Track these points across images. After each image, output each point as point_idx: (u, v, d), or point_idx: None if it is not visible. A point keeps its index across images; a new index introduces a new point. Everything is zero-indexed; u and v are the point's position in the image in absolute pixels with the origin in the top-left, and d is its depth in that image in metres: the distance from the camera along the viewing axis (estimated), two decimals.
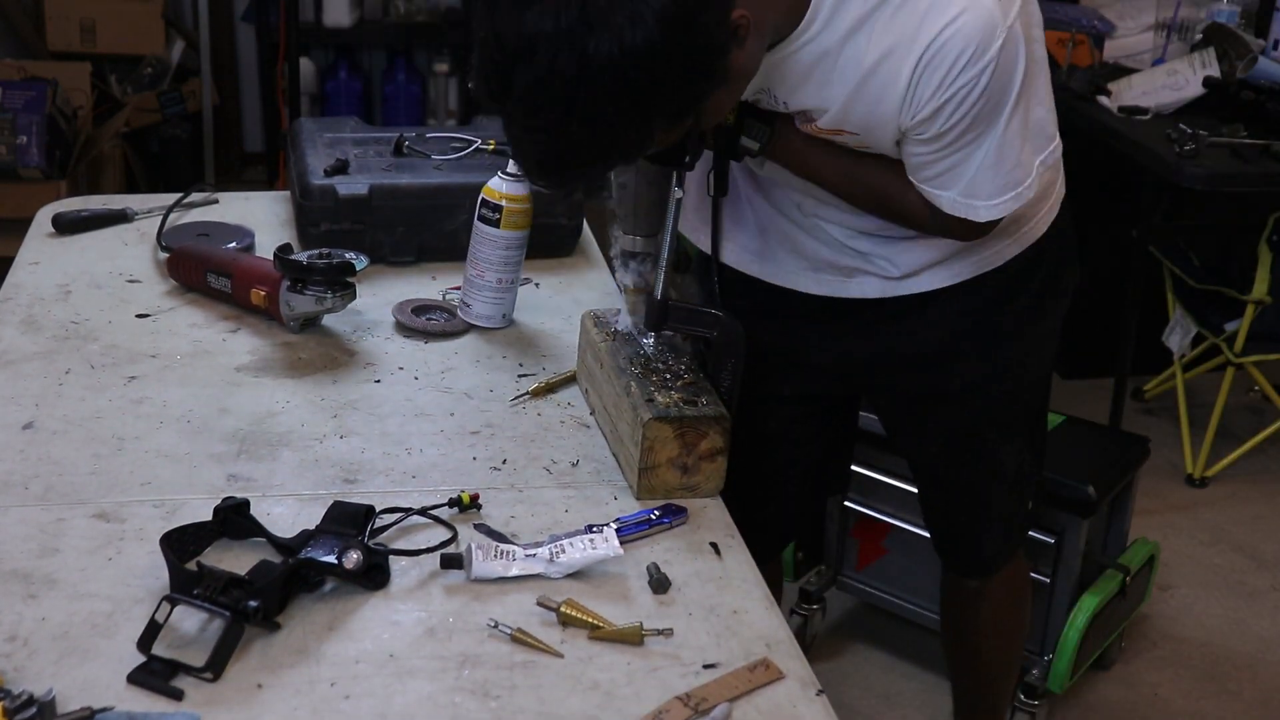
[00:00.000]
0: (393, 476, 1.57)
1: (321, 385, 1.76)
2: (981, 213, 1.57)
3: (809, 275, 1.77)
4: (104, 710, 1.18)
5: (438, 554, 1.41)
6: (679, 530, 1.50)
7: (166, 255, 2.04)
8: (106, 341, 1.84)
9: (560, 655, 1.27)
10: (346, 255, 1.87)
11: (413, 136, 2.27)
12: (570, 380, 1.80)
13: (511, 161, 1.89)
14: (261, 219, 2.24)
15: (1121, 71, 3.61)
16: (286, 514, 1.48)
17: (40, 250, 2.13)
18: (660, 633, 1.31)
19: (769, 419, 1.86)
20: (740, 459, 1.59)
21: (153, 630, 1.26)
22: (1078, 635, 2.59)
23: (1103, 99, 3.43)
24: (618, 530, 1.45)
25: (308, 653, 1.27)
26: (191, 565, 1.35)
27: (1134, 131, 3.31)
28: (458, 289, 2.03)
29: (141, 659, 1.24)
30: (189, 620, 1.29)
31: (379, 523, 1.46)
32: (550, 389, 1.78)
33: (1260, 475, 3.66)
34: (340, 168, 2.13)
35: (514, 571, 1.38)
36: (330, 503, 1.46)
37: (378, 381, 1.78)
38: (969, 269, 1.74)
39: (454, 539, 1.44)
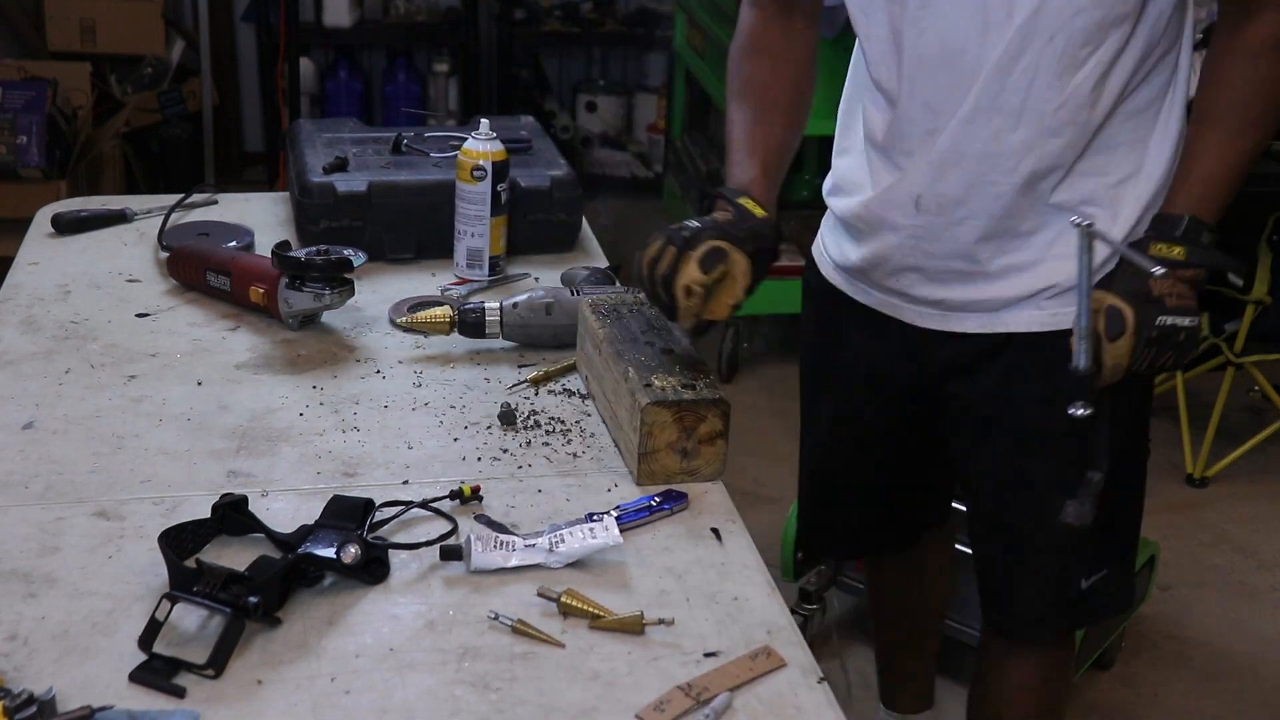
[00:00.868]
0: (393, 470, 1.57)
1: (321, 381, 1.76)
2: None
3: (910, 306, 1.74)
4: (104, 709, 1.17)
5: (437, 547, 1.41)
6: (680, 516, 1.50)
7: (167, 254, 2.04)
8: (106, 341, 1.84)
9: (561, 645, 1.28)
10: (344, 252, 1.87)
11: (411, 135, 2.28)
12: (569, 369, 1.80)
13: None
14: (261, 219, 2.24)
15: None
16: (286, 509, 1.48)
17: (40, 250, 2.13)
18: (661, 621, 1.31)
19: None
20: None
21: (153, 628, 1.26)
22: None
23: None
24: (618, 518, 1.45)
25: (308, 648, 1.27)
26: (190, 562, 1.35)
27: None
28: (456, 285, 2.03)
29: (142, 657, 1.24)
30: (189, 617, 1.29)
31: (379, 516, 1.46)
32: (549, 377, 1.78)
33: (1260, 475, 3.66)
34: (339, 165, 2.14)
35: (513, 562, 1.38)
36: (330, 497, 1.46)
37: (378, 374, 1.78)
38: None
39: (454, 531, 1.44)
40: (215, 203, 2.31)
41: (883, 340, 1.81)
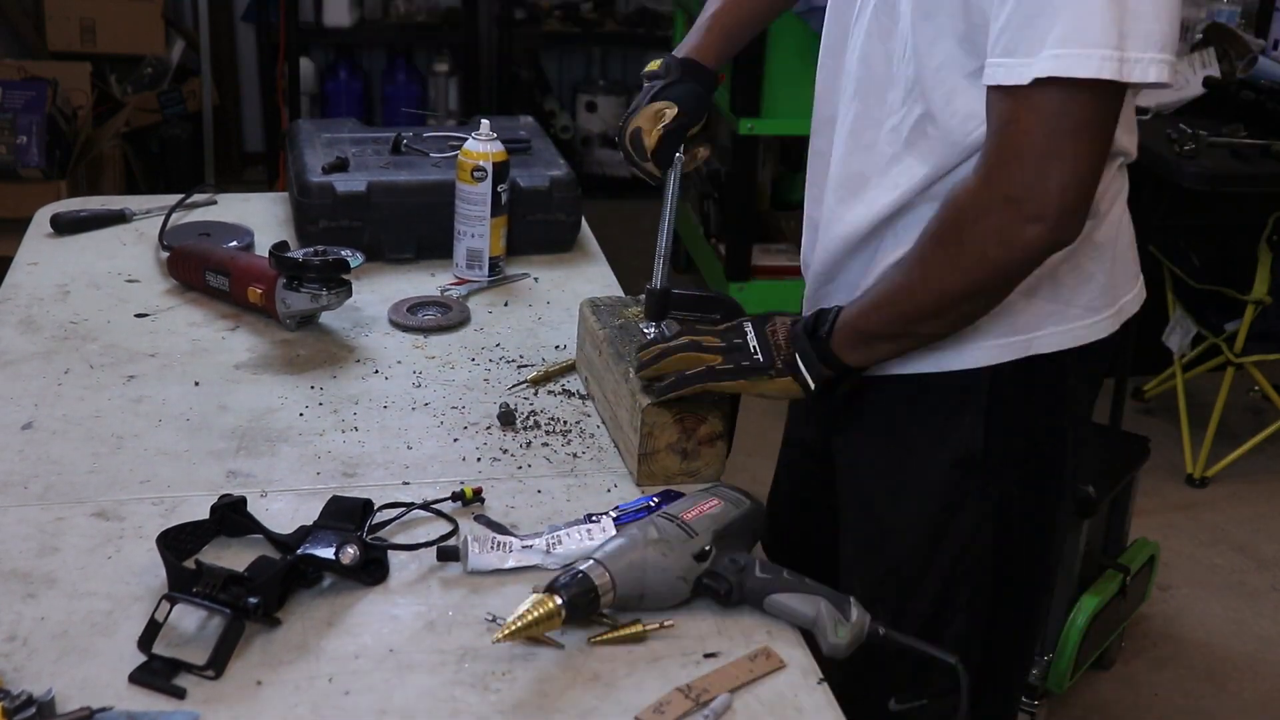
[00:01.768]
0: (392, 470, 1.57)
1: (320, 381, 1.76)
2: (1104, 66, 1.21)
3: None
4: (103, 710, 1.17)
5: (435, 547, 1.40)
6: None
7: (167, 254, 2.04)
8: (105, 341, 1.84)
9: (560, 646, 1.27)
10: (342, 252, 1.87)
11: (411, 135, 2.28)
12: (569, 369, 1.80)
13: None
14: (261, 219, 2.24)
15: None
16: (286, 509, 1.48)
17: (39, 250, 2.13)
18: (661, 626, 1.31)
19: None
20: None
21: (153, 629, 1.25)
22: (1078, 635, 2.59)
23: None
24: (616, 519, 1.45)
25: (307, 649, 1.27)
26: (190, 563, 1.35)
27: None
28: (456, 285, 2.03)
29: (141, 658, 1.24)
30: (188, 618, 1.29)
31: (380, 517, 1.46)
32: (548, 377, 1.78)
33: (1260, 475, 3.67)
34: (339, 165, 2.14)
35: (510, 563, 1.38)
36: (329, 498, 1.46)
37: (377, 374, 1.78)
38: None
39: (454, 532, 1.44)
40: (215, 203, 2.31)
41: None
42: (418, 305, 1.95)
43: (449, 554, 1.39)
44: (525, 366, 1.82)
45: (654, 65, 1.76)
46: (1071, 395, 1.53)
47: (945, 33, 1.37)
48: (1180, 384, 3.73)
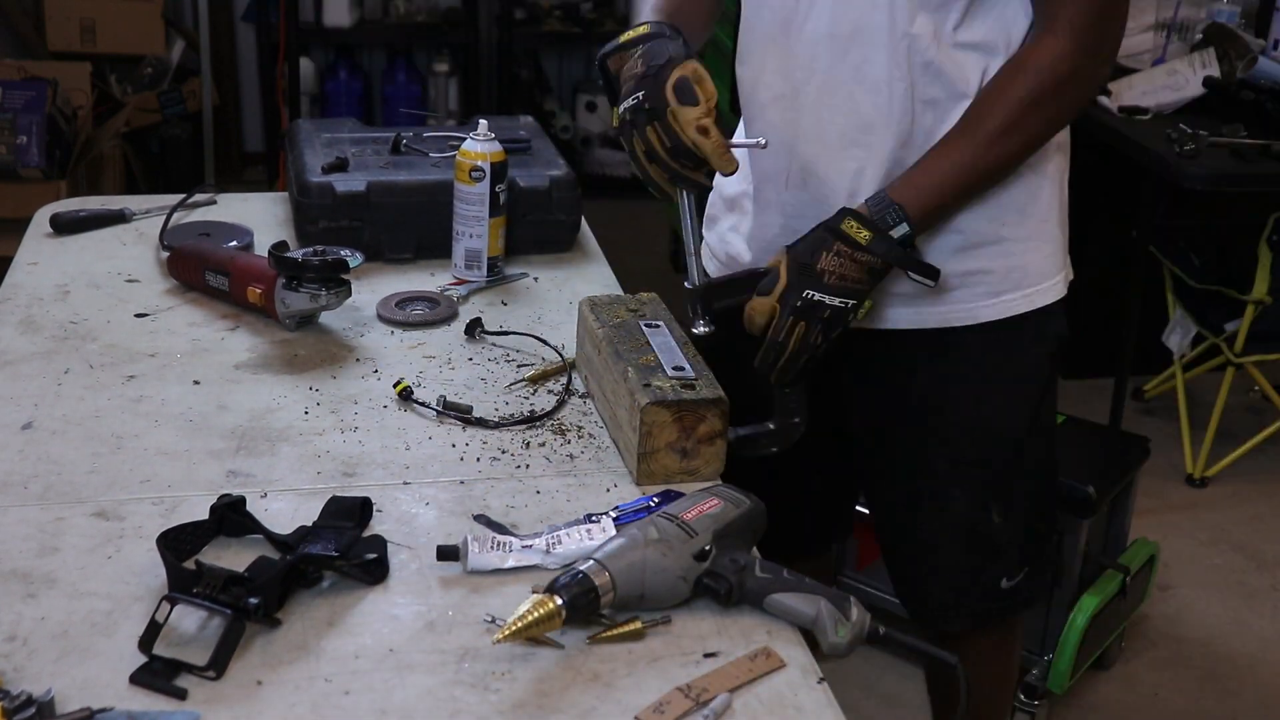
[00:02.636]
0: (392, 470, 1.57)
1: (320, 381, 1.76)
2: None
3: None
4: (104, 710, 1.17)
5: (433, 547, 1.40)
6: None
7: (167, 255, 2.04)
8: (105, 341, 1.84)
9: (561, 647, 1.27)
10: (341, 252, 1.87)
11: (410, 135, 2.28)
12: (568, 368, 1.80)
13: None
14: (261, 219, 2.24)
15: (1121, 71, 3.62)
16: (286, 509, 1.48)
17: (39, 250, 2.13)
18: (660, 622, 1.31)
19: None
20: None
21: (153, 630, 1.25)
22: (1078, 635, 2.60)
23: (1103, 99, 3.43)
24: (616, 519, 1.45)
25: (307, 649, 1.27)
26: (190, 564, 1.35)
27: (1134, 131, 3.31)
28: (455, 285, 2.03)
29: (141, 658, 1.24)
30: (188, 619, 1.29)
31: (379, 517, 1.46)
32: (546, 376, 1.78)
33: (1260, 475, 3.67)
34: (339, 165, 2.14)
35: (510, 563, 1.38)
36: (329, 497, 1.46)
37: (376, 374, 1.78)
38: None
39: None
40: (215, 202, 2.31)
41: None
42: (405, 300, 1.95)
43: (449, 553, 1.39)
44: (524, 366, 1.82)
45: (641, 29, 1.59)
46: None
47: None
48: (1180, 384, 3.73)
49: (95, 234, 2.19)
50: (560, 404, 1.71)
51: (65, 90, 4.24)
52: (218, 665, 1.22)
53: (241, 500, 1.43)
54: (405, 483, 1.54)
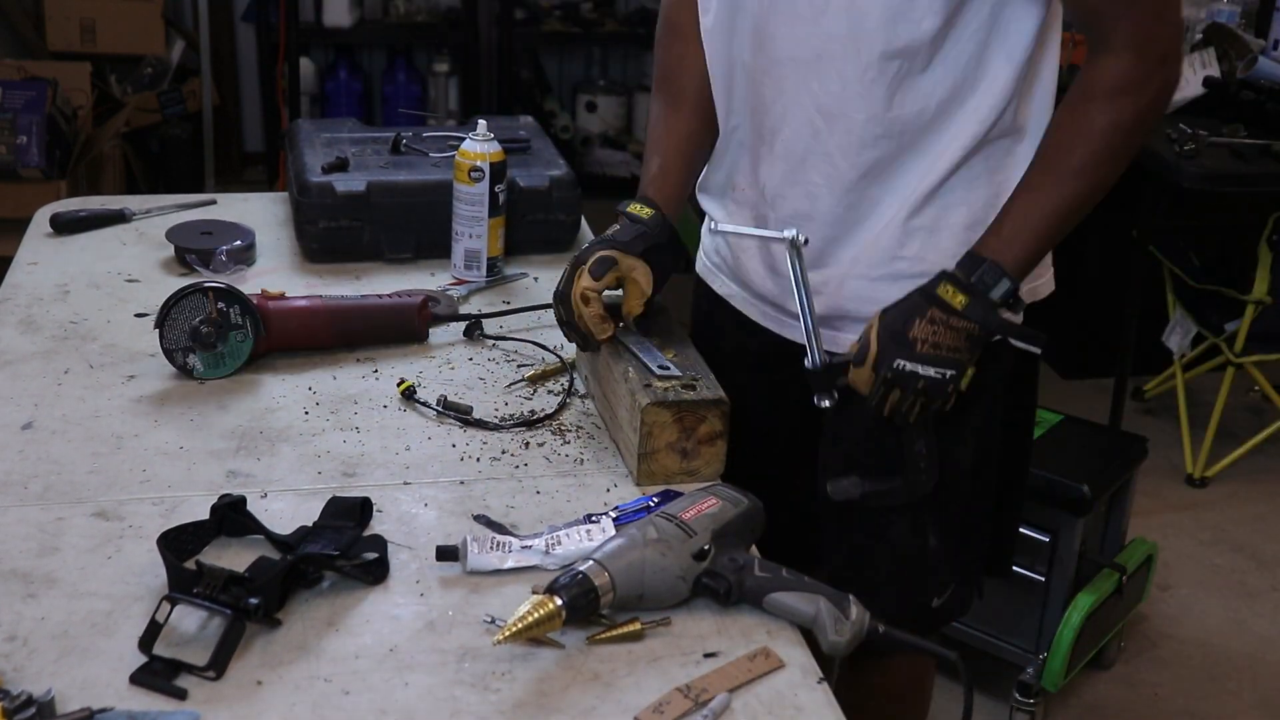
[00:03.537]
0: (392, 470, 1.57)
1: (320, 381, 1.76)
2: None
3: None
4: (104, 710, 1.17)
5: (433, 547, 1.40)
6: None
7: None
8: (105, 341, 1.84)
9: (561, 647, 1.27)
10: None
11: (410, 135, 2.28)
12: (568, 369, 1.80)
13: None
14: (261, 219, 2.24)
15: None
16: (286, 509, 1.48)
17: (39, 250, 2.13)
18: (659, 623, 1.31)
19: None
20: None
21: (153, 630, 1.25)
22: (1072, 634, 2.59)
23: None
24: (616, 519, 1.45)
25: (307, 649, 1.27)
26: (190, 564, 1.35)
27: None
28: (454, 285, 2.03)
29: (141, 658, 1.24)
30: (189, 619, 1.29)
31: (379, 517, 1.46)
32: (547, 376, 1.78)
33: (1260, 475, 3.67)
34: (339, 165, 2.14)
35: (509, 564, 1.38)
36: (330, 497, 1.47)
37: (376, 374, 1.78)
38: None
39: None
40: (214, 203, 2.31)
41: (756, 337, 1.76)
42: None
43: (448, 553, 1.39)
44: (524, 366, 1.82)
45: (642, 212, 1.70)
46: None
47: None
48: (1180, 384, 3.73)
49: (95, 234, 2.19)
50: (562, 406, 1.72)
51: (65, 90, 4.24)
52: (218, 665, 1.23)
53: (242, 500, 1.43)
54: (405, 483, 1.54)
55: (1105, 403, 3.56)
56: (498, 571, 1.38)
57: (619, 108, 5.41)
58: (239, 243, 2.08)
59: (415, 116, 4.75)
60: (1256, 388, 3.78)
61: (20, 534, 1.42)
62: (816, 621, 1.31)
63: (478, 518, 1.48)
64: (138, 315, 1.92)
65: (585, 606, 1.26)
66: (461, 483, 1.54)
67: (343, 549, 1.36)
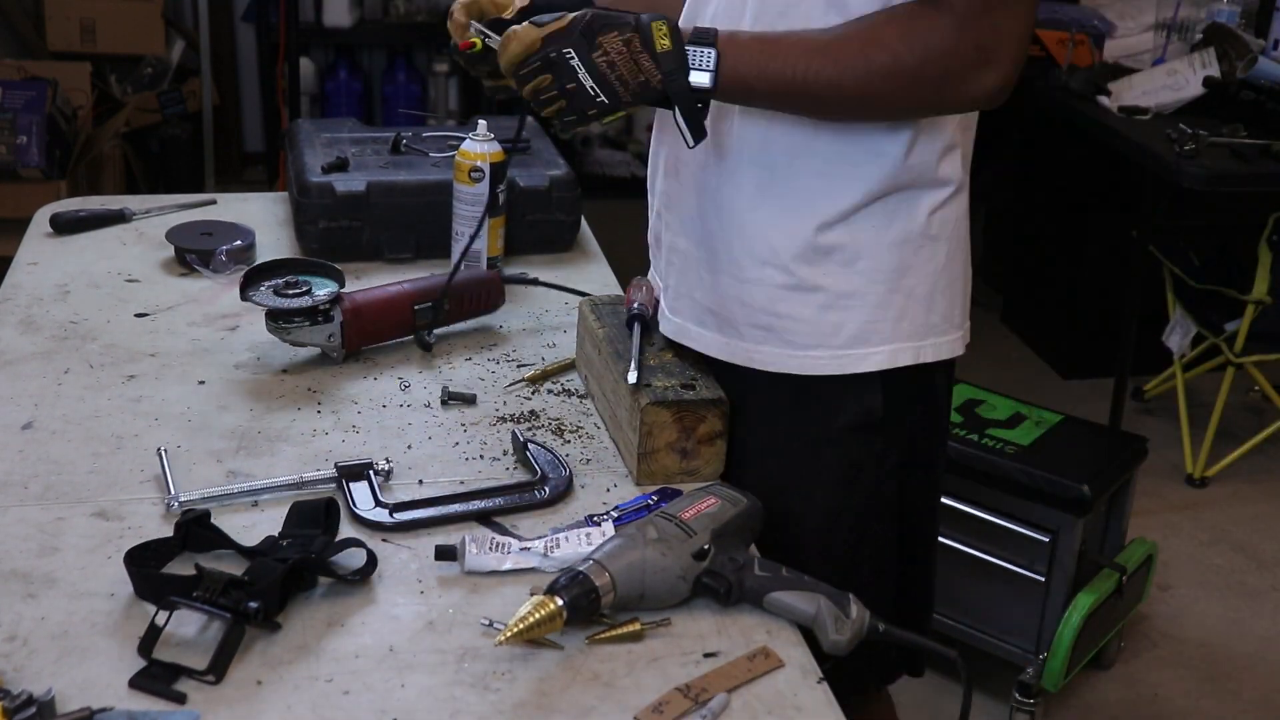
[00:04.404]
0: (392, 470, 1.57)
1: (320, 381, 1.76)
2: None
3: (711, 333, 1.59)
4: (104, 710, 1.17)
5: (432, 546, 1.40)
6: None
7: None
8: (105, 341, 1.84)
9: (561, 647, 1.27)
10: (314, 289, 1.78)
11: (410, 135, 2.28)
12: (568, 368, 1.80)
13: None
14: (261, 219, 2.24)
15: (1121, 71, 3.62)
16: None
17: (38, 250, 2.13)
18: (659, 623, 1.31)
19: None
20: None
21: (153, 634, 1.25)
22: (1072, 633, 2.60)
23: (1103, 99, 3.43)
24: (616, 519, 1.45)
25: (307, 649, 1.27)
26: (190, 567, 1.34)
27: (1134, 131, 3.31)
28: None
29: (141, 663, 1.23)
30: (189, 623, 1.29)
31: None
32: (547, 376, 1.78)
33: (1260, 475, 3.67)
34: (339, 165, 2.14)
35: (508, 565, 1.38)
36: (290, 504, 1.45)
37: (375, 376, 1.78)
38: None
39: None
40: (213, 203, 2.31)
41: None
42: None
43: (447, 553, 1.39)
44: (524, 365, 1.82)
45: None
46: (943, 393, 1.62)
47: None
48: (1180, 384, 3.73)
49: (95, 234, 2.19)
50: (560, 405, 1.72)
51: (65, 90, 4.24)
52: (217, 669, 1.22)
53: (206, 514, 1.40)
54: (405, 482, 1.54)
55: (1105, 403, 3.56)
56: (496, 572, 1.38)
57: None
58: (239, 243, 2.09)
59: (415, 116, 4.75)
60: (1256, 388, 3.78)
61: (20, 534, 1.42)
62: (817, 620, 1.31)
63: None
64: (138, 315, 1.92)
65: (586, 607, 1.27)
66: (461, 483, 1.54)
67: (317, 554, 1.35)
